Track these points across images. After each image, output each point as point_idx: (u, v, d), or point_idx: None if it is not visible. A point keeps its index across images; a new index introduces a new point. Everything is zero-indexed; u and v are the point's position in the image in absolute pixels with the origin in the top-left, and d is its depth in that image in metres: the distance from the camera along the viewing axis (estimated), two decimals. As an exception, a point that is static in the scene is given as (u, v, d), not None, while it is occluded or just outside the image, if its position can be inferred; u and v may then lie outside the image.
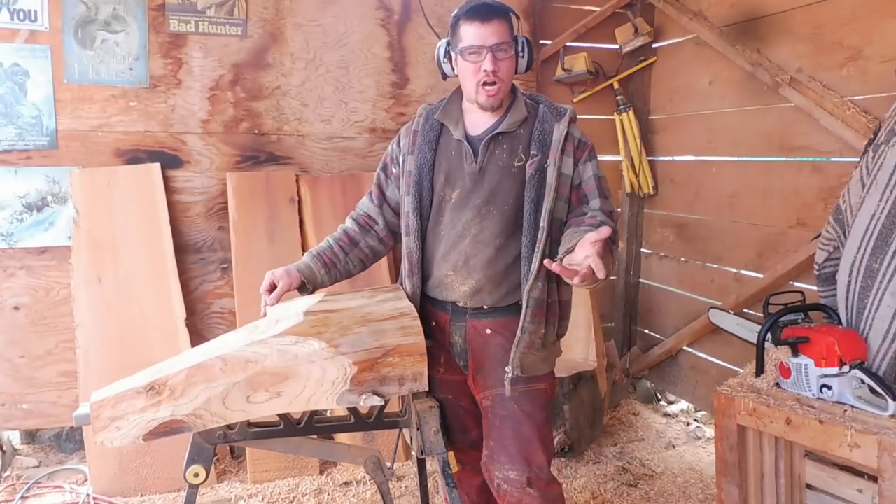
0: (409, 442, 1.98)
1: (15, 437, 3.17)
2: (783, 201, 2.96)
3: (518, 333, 1.77)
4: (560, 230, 1.78)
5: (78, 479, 2.89)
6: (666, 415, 3.73)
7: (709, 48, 3.30)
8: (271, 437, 1.81)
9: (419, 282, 1.91)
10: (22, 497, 2.73)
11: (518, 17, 1.87)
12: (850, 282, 1.76)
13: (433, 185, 1.87)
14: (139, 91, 3.06)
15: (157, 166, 3.07)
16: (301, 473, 2.97)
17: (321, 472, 3.00)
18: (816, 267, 1.98)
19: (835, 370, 1.64)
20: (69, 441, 3.12)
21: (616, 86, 3.72)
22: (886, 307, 1.65)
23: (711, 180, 3.39)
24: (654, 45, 3.72)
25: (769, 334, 1.78)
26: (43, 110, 2.93)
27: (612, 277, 3.96)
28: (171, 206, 3.08)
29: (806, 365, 1.68)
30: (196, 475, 1.72)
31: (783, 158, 2.97)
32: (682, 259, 3.63)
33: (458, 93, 1.91)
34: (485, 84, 1.77)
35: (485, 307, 1.85)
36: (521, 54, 1.84)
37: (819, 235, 2.01)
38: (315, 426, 1.82)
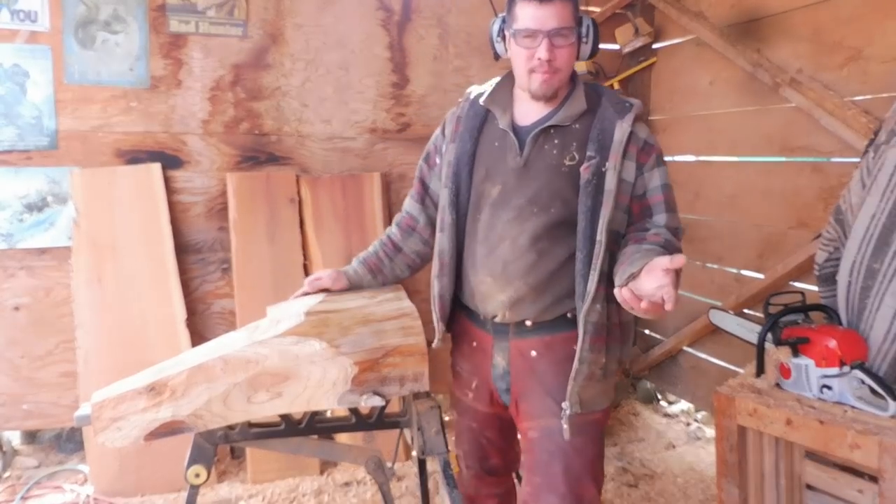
0: (409, 442, 1.98)
1: (15, 438, 3.17)
2: (783, 201, 2.96)
3: (576, 364, 1.56)
4: (616, 243, 1.58)
5: (78, 480, 2.89)
6: (666, 415, 3.73)
7: (709, 49, 3.30)
8: (272, 438, 1.81)
9: (449, 284, 1.75)
10: (22, 497, 2.73)
11: None
12: (850, 282, 1.76)
13: (472, 178, 1.68)
14: (139, 91, 3.06)
15: (157, 166, 3.07)
16: (301, 474, 2.97)
17: (322, 473, 3.00)
18: (817, 267, 1.98)
19: (835, 370, 1.64)
20: (69, 441, 3.12)
21: (616, 86, 3.72)
22: (887, 307, 1.65)
23: (712, 180, 3.40)
24: (655, 46, 3.72)
25: (769, 334, 1.78)
26: (43, 111, 2.93)
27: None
28: (171, 206, 3.08)
29: (806, 365, 1.68)
30: (197, 475, 1.72)
31: (783, 159, 2.97)
32: (683, 259, 3.63)
33: (510, 77, 1.71)
34: (537, 71, 1.57)
35: (527, 323, 1.66)
36: (584, 39, 1.61)
37: (819, 236, 2.01)
38: (316, 426, 1.83)
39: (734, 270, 3.29)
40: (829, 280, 1.93)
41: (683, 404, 3.78)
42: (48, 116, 2.94)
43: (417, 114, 3.46)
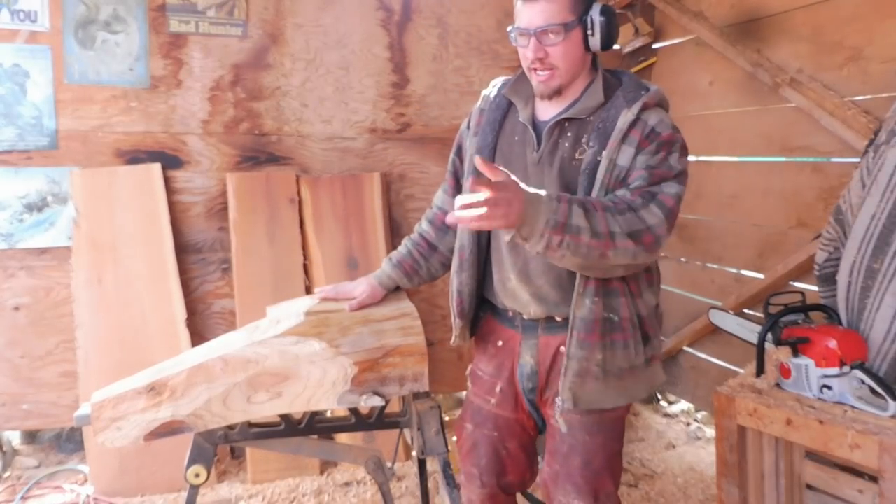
0: (409, 442, 1.98)
1: (15, 438, 3.17)
2: (783, 202, 2.96)
3: (563, 360, 1.54)
4: None
5: (78, 480, 2.89)
6: (666, 415, 3.73)
7: (709, 49, 3.30)
8: (272, 438, 1.82)
9: (469, 280, 1.68)
10: (22, 497, 2.73)
11: None
12: (850, 282, 1.76)
13: None
14: (139, 91, 3.06)
15: (157, 166, 3.07)
16: (301, 474, 2.97)
17: (322, 473, 3.00)
18: (817, 267, 1.98)
19: (835, 370, 1.64)
20: (69, 441, 3.12)
21: (616, 86, 3.72)
22: (887, 307, 1.65)
23: (712, 181, 3.39)
24: (655, 46, 3.72)
25: (769, 335, 1.78)
26: (43, 111, 2.93)
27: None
28: (171, 206, 3.08)
29: (806, 365, 1.68)
30: (197, 475, 1.72)
31: (783, 159, 2.97)
32: (683, 259, 3.63)
33: None
34: (534, 70, 1.52)
35: (557, 318, 1.60)
36: (590, 31, 1.51)
37: (819, 236, 2.01)
38: (316, 426, 1.83)
39: (734, 270, 3.29)
40: (829, 280, 1.93)
41: (683, 404, 3.78)
42: (48, 116, 2.94)
43: (417, 114, 3.46)
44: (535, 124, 1.61)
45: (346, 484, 2.92)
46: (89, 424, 1.60)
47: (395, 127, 3.42)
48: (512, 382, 1.71)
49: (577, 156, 1.53)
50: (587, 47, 1.54)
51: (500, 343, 1.72)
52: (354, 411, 1.85)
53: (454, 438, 1.95)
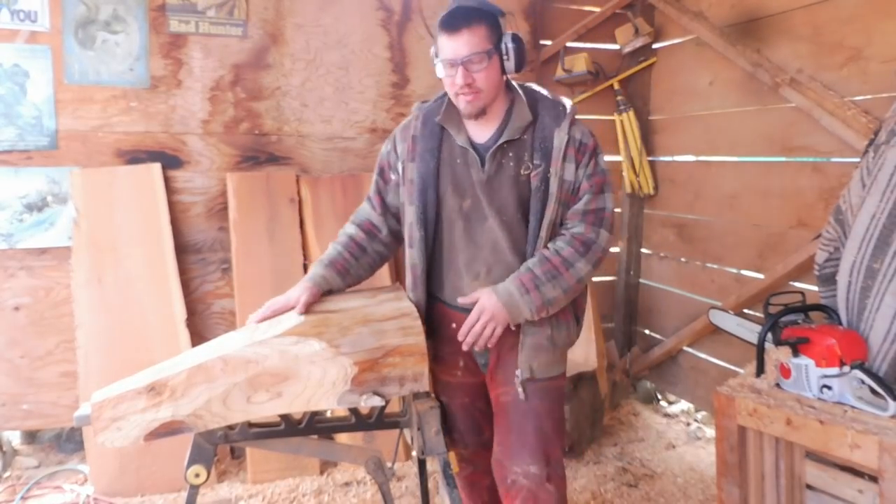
0: (409, 442, 1.98)
1: (15, 438, 3.17)
2: (783, 202, 2.96)
3: (521, 336, 1.77)
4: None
5: (78, 480, 2.89)
6: (666, 415, 3.73)
7: (709, 48, 3.30)
8: (272, 438, 1.81)
9: (423, 294, 1.86)
10: (22, 497, 2.73)
11: (503, 15, 1.75)
12: (850, 282, 1.76)
13: (438, 194, 1.81)
14: (139, 91, 3.06)
15: (157, 166, 3.07)
16: (301, 474, 2.97)
17: (321, 473, 3.00)
18: (817, 267, 1.98)
19: (835, 370, 1.64)
20: (69, 441, 3.12)
21: (616, 86, 3.72)
22: (887, 307, 1.65)
23: (712, 181, 3.39)
24: (655, 46, 3.72)
25: (769, 335, 1.78)
26: (43, 111, 2.93)
27: (611, 277, 3.97)
28: (171, 206, 3.08)
29: (806, 365, 1.68)
30: (197, 475, 1.72)
31: (783, 159, 2.97)
32: (683, 259, 3.63)
33: None
34: (460, 94, 1.72)
35: None
36: (506, 56, 1.72)
37: (819, 236, 2.00)
38: (316, 426, 1.82)
39: (734, 270, 3.29)
40: (829, 280, 1.92)
41: (683, 404, 3.78)
42: (48, 116, 2.94)
43: (417, 114, 3.46)
44: (474, 147, 1.80)
45: (346, 484, 2.92)
46: (89, 424, 1.60)
47: (394, 126, 3.41)
48: (470, 356, 1.89)
49: (522, 172, 1.76)
50: (503, 71, 1.76)
51: (453, 325, 1.85)
52: (354, 411, 1.84)
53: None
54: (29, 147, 2.93)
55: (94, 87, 3.00)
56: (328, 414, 1.99)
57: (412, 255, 1.85)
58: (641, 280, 3.97)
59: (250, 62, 3.21)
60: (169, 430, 1.60)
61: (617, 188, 3.85)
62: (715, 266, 3.40)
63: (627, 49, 3.68)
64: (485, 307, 1.70)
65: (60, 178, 2.96)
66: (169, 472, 2.80)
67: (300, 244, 3.20)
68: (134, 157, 3.07)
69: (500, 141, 1.76)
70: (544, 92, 1.86)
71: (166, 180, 3.09)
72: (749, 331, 2.12)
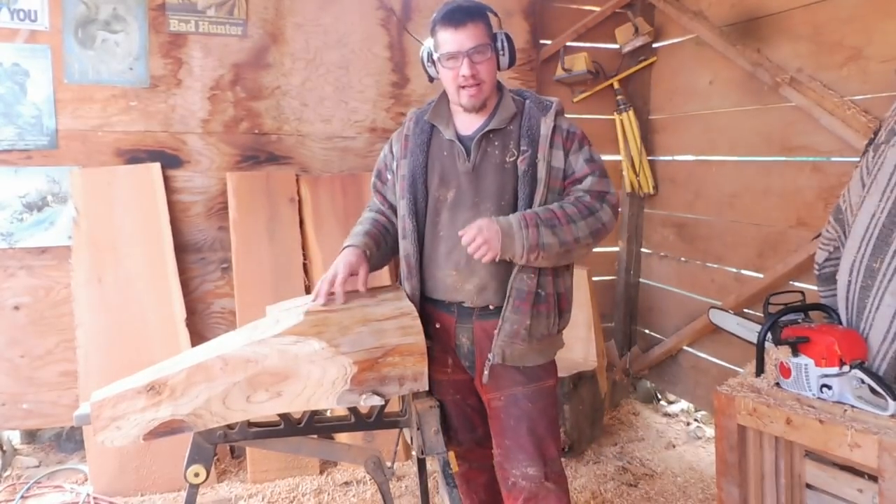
0: (409, 442, 1.98)
1: (15, 437, 3.18)
2: (783, 201, 2.96)
3: (499, 322, 1.78)
4: None
5: (78, 479, 2.89)
6: (666, 414, 3.73)
7: (709, 48, 3.30)
8: (271, 437, 1.81)
9: (418, 284, 1.90)
10: (22, 497, 2.73)
11: (496, 15, 1.85)
12: (850, 281, 1.76)
13: (427, 186, 1.87)
14: (139, 91, 3.06)
15: (157, 166, 3.07)
16: (301, 473, 2.97)
17: (321, 472, 3.00)
18: (816, 267, 1.98)
19: (835, 370, 1.64)
20: (69, 441, 3.12)
21: (616, 86, 3.72)
22: (887, 307, 1.65)
23: (711, 180, 3.39)
24: (655, 45, 3.72)
25: (769, 334, 1.78)
26: (43, 110, 2.93)
27: (611, 277, 3.97)
28: (171, 205, 3.08)
29: (806, 365, 1.68)
30: (196, 475, 1.72)
31: (783, 158, 2.97)
32: (683, 259, 3.63)
33: (446, 95, 1.91)
34: (465, 87, 1.78)
35: (491, 307, 1.83)
36: (501, 52, 1.82)
37: (819, 235, 2.00)
38: (315, 426, 1.82)
39: (734, 270, 3.29)
40: (828, 279, 1.92)
41: (683, 404, 3.78)
42: (48, 116, 2.94)
43: (417, 113, 3.46)
44: (461, 139, 1.86)
45: (346, 483, 2.92)
46: (89, 424, 1.60)
47: (394, 126, 3.42)
48: (456, 356, 1.93)
49: (507, 159, 1.81)
50: (498, 67, 1.85)
51: (437, 325, 1.91)
52: (354, 411, 1.84)
53: None
54: (29, 146, 2.93)
55: (93, 86, 3.00)
56: (328, 413, 1.99)
57: (405, 247, 1.90)
58: (641, 280, 3.97)
59: (250, 61, 3.21)
60: (168, 429, 1.60)
61: (617, 188, 3.83)
62: (715, 265, 3.40)
63: (627, 48, 3.68)
64: (482, 226, 1.69)
65: (60, 177, 2.96)
66: (169, 471, 2.81)
67: (300, 243, 3.20)
68: (134, 156, 3.07)
69: (486, 129, 1.82)
70: (536, 94, 1.94)
71: (166, 180, 3.09)
72: (749, 330, 2.12)
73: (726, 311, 2.60)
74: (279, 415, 1.76)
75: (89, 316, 2.89)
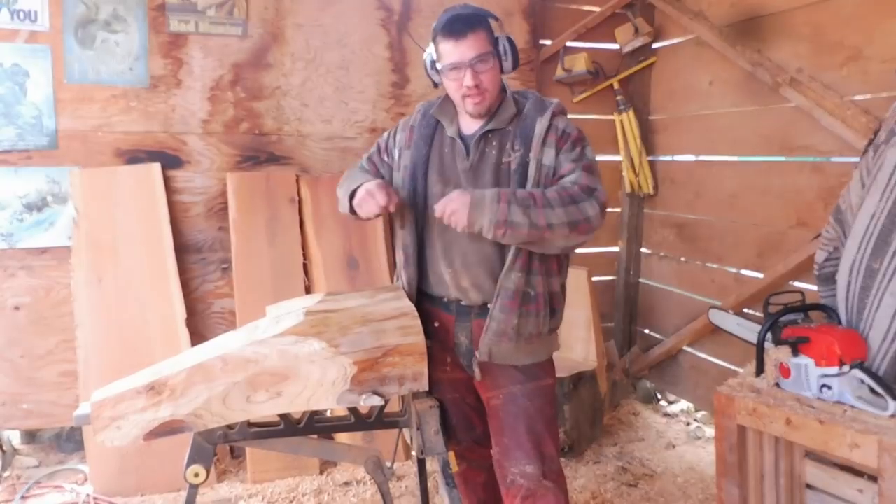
0: (409, 442, 1.98)
1: (15, 437, 3.17)
2: (783, 201, 2.96)
3: (487, 320, 1.79)
4: None
5: (78, 479, 2.89)
6: (666, 415, 3.73)
7: (709, 48, 3.30)
8: (271, 437, 1.81)
9: (415, 273, 1.91)
10: (22, 497, 2.73)
11: (497, 19, 1.85)
12: (850, 282, 1.76)
13: (427, 180, 1.89)
14: (139, 91, 3.06)
15: (157, 166, 3.07)
16: (301, 473, 2.97)
17: (321, 472, 3.00)
18: (816, 267, 1.98)
19: (835, 370, 1.64)
20: (69, 441, 3.12)
21: (616, 86, 3.72)
22: (886, 307, 1.65)
23: (711, 180, 3.39)
24: (655, 46, 3.72)
25: (769, 334, 1.77)
26: (43, 110, 2.93)
27: (611, 277, 3.97)
28: (171, 206, 3.08)
29: (806, 365, 1.68)
30: (196, 475, 1.72)
31: (783, 158, 2.97)
32: (683, 259, 3.63)
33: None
34: (468, 96, 1.78)
35: (488, 305, 1.83)
36: (504, 57, 1.82)
37: (819, 235, 2.00)
38: (315, 426, 1.82)
39: (734, 270, 3.29)
40: (828, 280, 1.92)
41: (683, 404, 3.78)
42: (48, 116, 2.94)
43: (417, 113, 3.46)
44: (462, 137, 1.88)
45: (346, 484, 2.92)
46: (89, 424, 1.60)
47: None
48: (455, 354, 1.94)
49: (504, 159, 1.82)
50: (501, 70, 1.84)
51: (436, 324, 1.92)
52: (354, 411, 1.84)
53: None
54: (29, 147, 2.93)
55: (93, 86, 3.00)
56: (328, 413, 1.99)
57: (403, 237, 1.92)
58: (641, 280, 3.97)
59: (250, 62, 3.21)
60: (168, 429, 1.60)
61: (617, 188, 3.85)
62: (715, 266, 3.40)
63: (627, 49, 3.68)
64: (454, 197, 1.70)
65: (60, 177, 2.96)
66: (169, 471, 2.80)
67: (300, 244, 3.20)
68: (134, 156, 3.07)
69: (485, 129, 1.83)
70: (539, 95, 1.94)
71: (166, 180, 3.09)
72: (749, 330, 2.11)
73: (726, 311, 2.60)
74: (279, 415, 1.76)
75: (89, 316, 2.89)
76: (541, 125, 1.80)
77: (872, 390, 1.61)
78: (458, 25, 1.75)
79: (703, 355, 3.49)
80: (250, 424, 1.77)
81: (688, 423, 3.60)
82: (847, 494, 1.63)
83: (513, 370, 1.85)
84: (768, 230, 3.04)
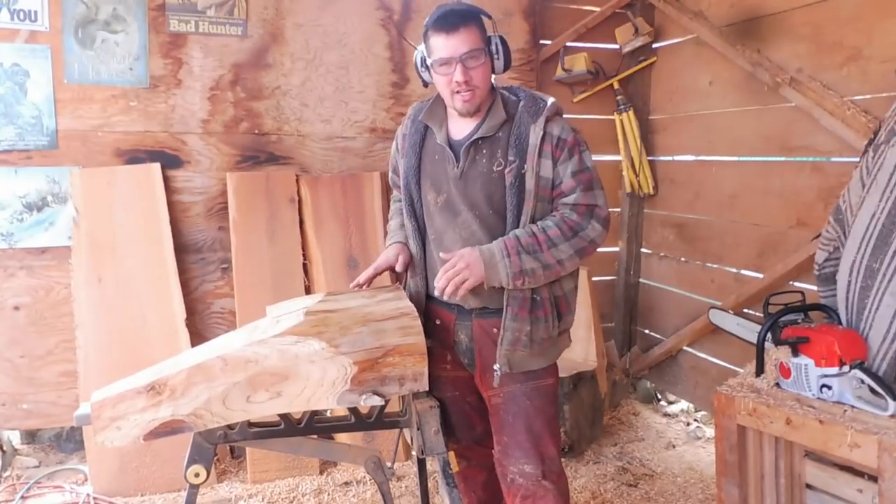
0: (409, 442, 1.98)
1: (15, 437, 3.17)
2: (783, 201, 2.96)
3: (500, 331, 1.79)
4: None
5: (78, 479, 2.89)
6: (666, 415, 3.73)
7: (709, 48, 3.30)
8: (271, 437, 1.82)
9: (423, 281, 1.94)
10: (22, 497, 2.73)
11: (490, 17, 1.83)
12: (850, 282, 1.76)
13: (420, 188, 1.90)
14: (139, 91, 3.06)
15: (157, 166, 3.07)
16: (301, 473, 2.97)
17: (321, 472, 3.00)
18: (816, 267, 1.98)
19: (835, 370, 1.64)
20: (69, 441, 3.12)
21: (616, 86, 3.72)
22: (886, 307, 1.65)
23: (711, 180, 3.39)
24: (655, 45, 3.72)
25: (769, 334, 1.78)
26: (43, 110, 2.93)
27: (611, 277, 3.97)
28: (171, 206, 3.08)
29: (806, 365, 1.68)
30: (196, 475, 1.72)
31: (783, 158, 2.97)
32: (682, 259, 3.63)
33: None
34: (458, 92, 1.76)
35: (489, 307, 1.84)
36: (496, 56, 1.80)
37: (819, 235, 2.00)
38: (315, 426, 1.83)
39: (734, 270, 3.29)
40: (828, 280, 1.92)
41: (683, 404, 3.78)
42: (48, 116, 2.94)
43: (417, 113, 3.46)
44: (451, 144, 1.86)
45: (346, 484, 2.92)
46: (89, 424, 1.60)
47: (394, 126, 3.41)
48: (455, 352, 1.95)
49: (495, 168, 1.80)
50: (493, 70, 1.82)
51: (438, 322, 1.94)
52: (354, 411, 1.85)
53: None
54: (29, 147, 2.93)
55: (93, 86, 2.99)
56: (328, 413, 1.99)
57: (410, 245, 1.96)
58: (641, 280, 3.97)
59: (250, 62, 3.21)
60: (168, 429, 1.60)
61: (617, 188, 3.85)
62: (715, 266, 3.40)
63: (627, 49, 3.68)
64: (463, 255, 1.73)
65: (60, 177, 2.96)
66: (169, 471, 2.81)
67: (300, 244, 3.20)
68: (133, 156, 3.07)
69: (474, 137, 1.81)
70: (530, 91, 1.90)
71: (166, 180, 3.09)
72: (749, 330, 2.12)
73: (726, 311, 2.60)
74: (279, 415, 1.76)
75: (89, 316, 2.89)
76: (535, 135, 1.76)
77: (872, 390, 1.61)
78: (450, 19, 1.73)
79: (702, 355, 3.49)
80: (250, 424, 1.77)
81: (688, 423, 3.60)
82: (847, 494, 1.63)
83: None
84: (768, 230, 3.04)
